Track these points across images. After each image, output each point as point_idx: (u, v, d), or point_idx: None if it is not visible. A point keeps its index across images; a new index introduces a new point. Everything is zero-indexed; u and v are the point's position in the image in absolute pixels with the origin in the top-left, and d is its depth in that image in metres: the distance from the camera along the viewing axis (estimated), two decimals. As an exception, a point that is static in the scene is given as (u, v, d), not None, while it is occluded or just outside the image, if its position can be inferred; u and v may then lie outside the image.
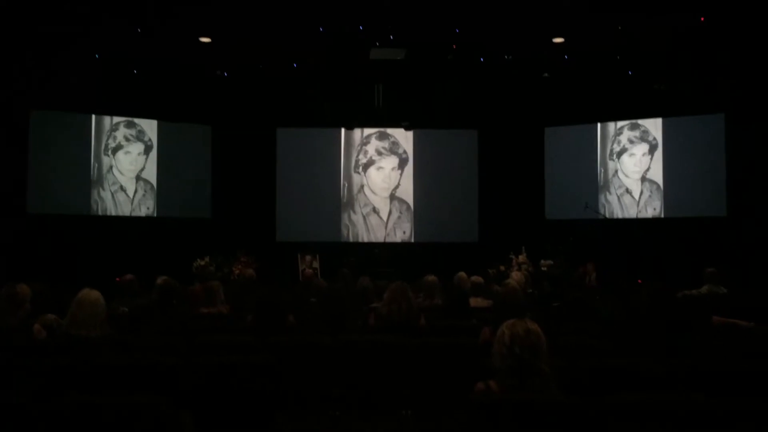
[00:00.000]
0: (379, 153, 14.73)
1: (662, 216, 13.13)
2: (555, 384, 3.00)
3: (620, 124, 13.70)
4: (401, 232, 14.56)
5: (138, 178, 13.42)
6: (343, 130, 14.55)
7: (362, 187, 14.67)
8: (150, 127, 13.58)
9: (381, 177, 14.69)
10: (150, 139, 13.57)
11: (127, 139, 13.36)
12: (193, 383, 4.00)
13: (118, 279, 7.98)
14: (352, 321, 5.97)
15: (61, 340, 4.47)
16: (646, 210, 13.32)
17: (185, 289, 6.86)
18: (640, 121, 13.48)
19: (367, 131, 14.65)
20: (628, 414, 3.01)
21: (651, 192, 13.30)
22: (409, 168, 14.71)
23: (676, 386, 3.72)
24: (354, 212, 14.64)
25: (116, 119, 13.26)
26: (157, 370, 3.98)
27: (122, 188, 13.24)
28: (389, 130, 14.62)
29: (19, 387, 3.62)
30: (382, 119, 14.13)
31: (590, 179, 13.92)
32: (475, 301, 6.73)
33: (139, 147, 13.46)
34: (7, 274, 8.36)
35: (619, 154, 13.70)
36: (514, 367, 2.96)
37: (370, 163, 14.69)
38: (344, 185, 14.65)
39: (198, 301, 6.57)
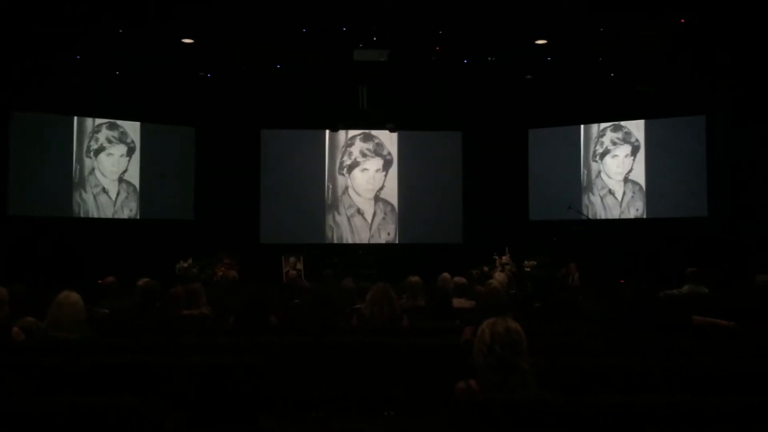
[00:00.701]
0: (364, 155, 14.73)
1: (644, 216, 13.23)
2: (536, 382, 3.01)
3: (603, 125, 13.80)
4: (385, 233, 14.58)
5: (120, 179, 13.35)
6: (327, 131, 14.55)
7: (347, 188, 14.66)
8: (133, 128, 13.52)
9: (365, 178, 14.69)
10: (133, 141, 13.50)
11: (109, 141, 13.28)
12: (175, 384, 3.98)
13: (100, 281, 7.93)
14: (336, 322, 5.96)
15: (41, 342, 4.43)
16: (629, 211, 13.41)
17: (167, 291, 6.83)
18: (622, 123, 13.59)
19: (352, 133, 14.66)
20: (608, 413, 3.02)
21: (633, 193, 13.39)
22: (394, 169, 14.72)
23: (656, 385, 3.74)
24: (338, 214, 14.63)
25: (98, 121, 13.18)
26: (138, 371, 3.96)
27: (104, 190, 13.16)
28: (374, 132, 14.64)
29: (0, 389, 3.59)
30: (367, 121, 14.15)
31: (573, 180, 14.00)
32: (458, 302, 6.73)
33: (121, 149, 13.39)
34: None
35: (602, 155, 13.79)
36: (494, 365, 2.96)
37: (354, 164, 14.68)
38: (328, 187, 14.64)
39: (180, 303, 6.53)
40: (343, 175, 14.69)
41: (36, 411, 3.04)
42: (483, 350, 2.97)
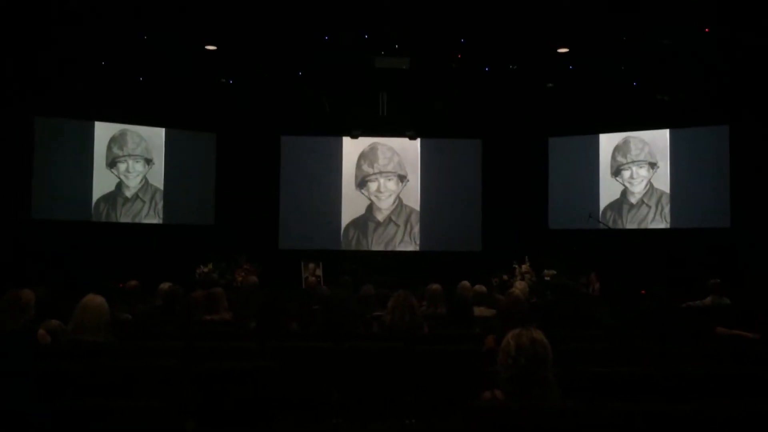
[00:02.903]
0: (384, 161, 14.74)
1: (666, 227, 13.12)
2: (560, 392, 3.00)
3: (625, 134, 13.71)
4: (404, 240, 14.57)
5: (142, 184, 13.45)
6: (347, 138, 14.56)
7: (366, 195, 14.68)
8: (155, 134, 13.62)
9: (385, 185, 14.70)
10: (155, 147, 13.60)
11: (132, 146, 13.39)
12: (197, 389, 4.00)
13: (120, 285, 7.99)
14: (355, 328, 5.97)
15: (66, 345, 4.48)
16: (650, 221, 13.31)
17: (188, 295, 6.88)
18: (644, 132, 13.49)
19: (372, 139, 14.66)
20: (631, 422, 3.01)
21: (655, 203, 13.30)
22: (413, 176, 14.72)
23: (678, 395, 3.72)
24: (357, 220, 14.65)
25: (121, 126, 13.29)
26: (160, 375, 3.99)
27: (126, 195, 13.27)
28: (394, 139, 14.63)
29: (26, 392, 3.63)
30: (387, 128, 14.15)
31: (594, 189, 13.92)
32: (478, 310, 6.72)
33: (144, 154, 13.50)
34: (12, 279, 8.37)
35: (624, 164, 13.70)
36: (519, 376, 2.95)
37: (374, 171, 14.70)
38: (347, 193, 14.66)
39: (201, 308, 6.57)
40: (362, 181, 14.71)
41: (60, 412, 3.07)
42: (508, 362, 2.96)
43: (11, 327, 4.66)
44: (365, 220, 14.64)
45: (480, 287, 7.57)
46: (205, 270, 11.59)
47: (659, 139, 13.37)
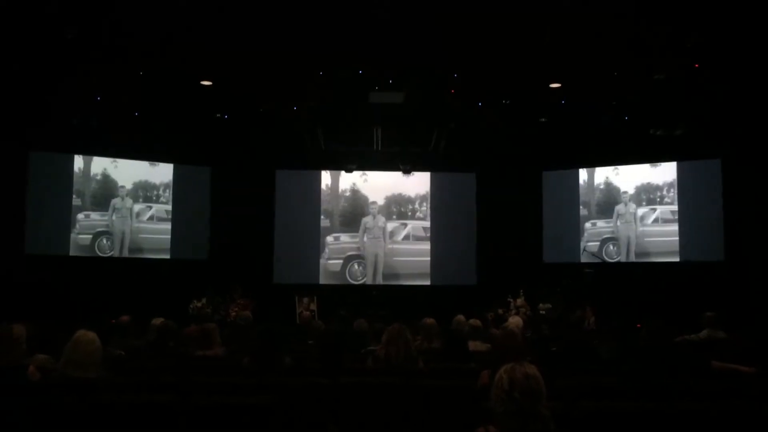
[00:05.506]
0: (378, 195, 14.77)
1: (660, 260, 13.12)
2: (555, 427, 2.97)
3: (617, 168, 13.79)
4: (398, 274, 14.54)
5: (136, 219, 13.43)
6: (341, 172, 14.60)
7: (361, 229, 14.67)
8: (150, 168, 13.63)
9: (379, 219, 14.71)
10: (150, 181, 13.61)
11: (126, 181, 13.39)
12: (189, 424, 3.96)
13: (113, 321, 7.93)
14: (350, 363, 5.92)
15: (57, 381, 4.43)
16: (644, 254, 13.33)
17: (181, 330, 6.83)
18: (637, 166, 13.57)
19: (366, 174, 14.70)
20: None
21: (648, 236, 13.32)
22: (408, 211, 14.74)
23: (675, 430, 3.69)
24: (352, 254, 14.62)
25: (116, 161, 13.32)
26: (153, 411, 3.95)
27: (121, 229, 13.24)
28: (388, 173, 14.67)
29: (17, 429, 3.59)
30: (381, 162, 14.21)
31: (587, 223, 13.95)
32: (473, 345, 6.68)
33: (138, 187, 13.50)
34: (4, 314, 8.30)
35: (616, 198, 13.76)
36: (513, 411, 2.92)
37: (368, 205, 14.72)
38: (342, 227, 14.66)
39: (194, 343, 6.52)
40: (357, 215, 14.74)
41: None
42: (501, 397, 2.93)
43: (2, 363, 4.62)
44: (360, 254, 14.62)
45: (475, 321, 7.53)
46: (199, 305, 11.52)
47: (651, 173, 13.44)
